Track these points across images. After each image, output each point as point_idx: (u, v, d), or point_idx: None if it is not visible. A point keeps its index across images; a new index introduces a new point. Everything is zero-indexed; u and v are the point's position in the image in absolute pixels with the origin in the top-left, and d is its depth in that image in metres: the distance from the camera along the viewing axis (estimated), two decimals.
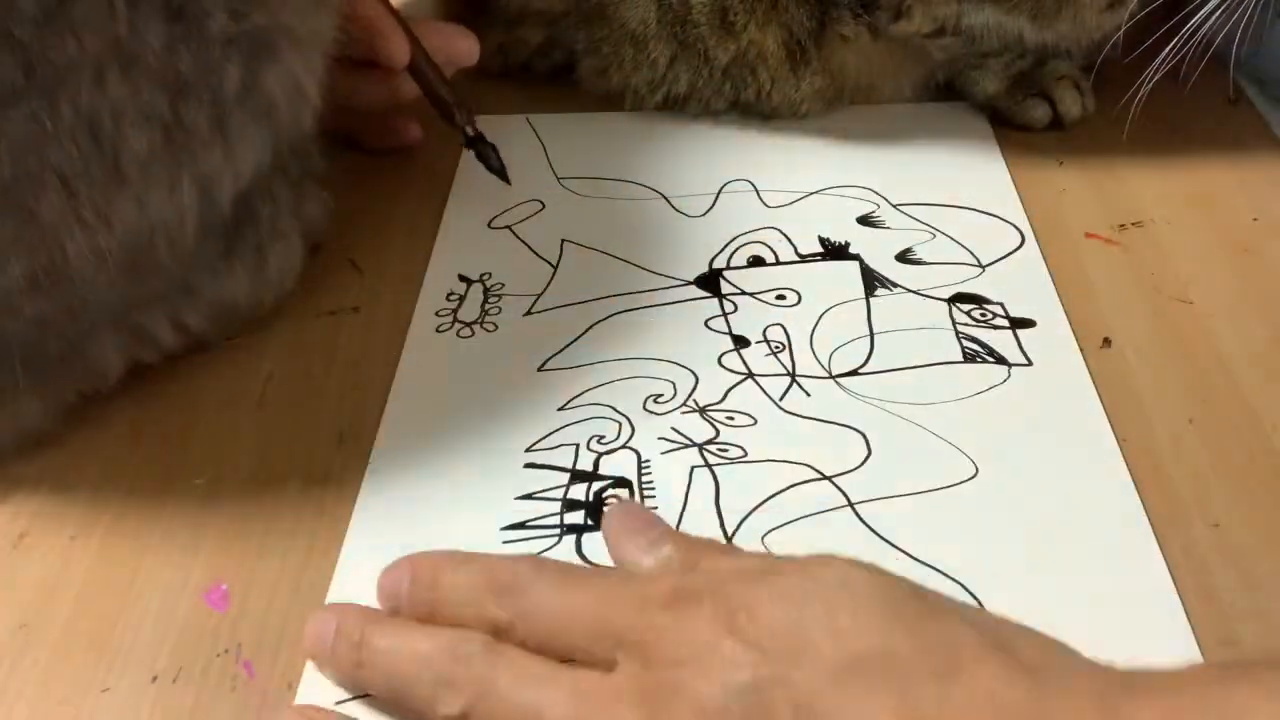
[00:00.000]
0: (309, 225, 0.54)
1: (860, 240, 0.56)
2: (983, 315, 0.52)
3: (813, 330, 0.51)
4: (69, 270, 0.42)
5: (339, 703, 0.38)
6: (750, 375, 0.49)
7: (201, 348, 0.50)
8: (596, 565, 0.42)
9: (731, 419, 0.47)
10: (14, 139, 0.40)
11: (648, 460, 0.46)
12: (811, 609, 0.33)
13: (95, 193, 0.42)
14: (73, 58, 0.40)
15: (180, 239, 0.46)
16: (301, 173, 0.53)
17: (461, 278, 0.55)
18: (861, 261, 0.55)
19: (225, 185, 0.46)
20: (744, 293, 0.53)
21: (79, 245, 0.42)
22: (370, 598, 0.41)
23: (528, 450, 0.46)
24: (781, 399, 0.48)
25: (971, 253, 0.55)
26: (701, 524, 0.43)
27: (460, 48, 0.61)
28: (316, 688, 0.38)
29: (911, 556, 0.41)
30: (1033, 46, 0.62)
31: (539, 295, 0.54)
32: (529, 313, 0.53)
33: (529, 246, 0.57)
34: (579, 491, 0.44)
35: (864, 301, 0.53)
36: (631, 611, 0.35)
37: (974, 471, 0.44)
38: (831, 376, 0.49)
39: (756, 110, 0.64)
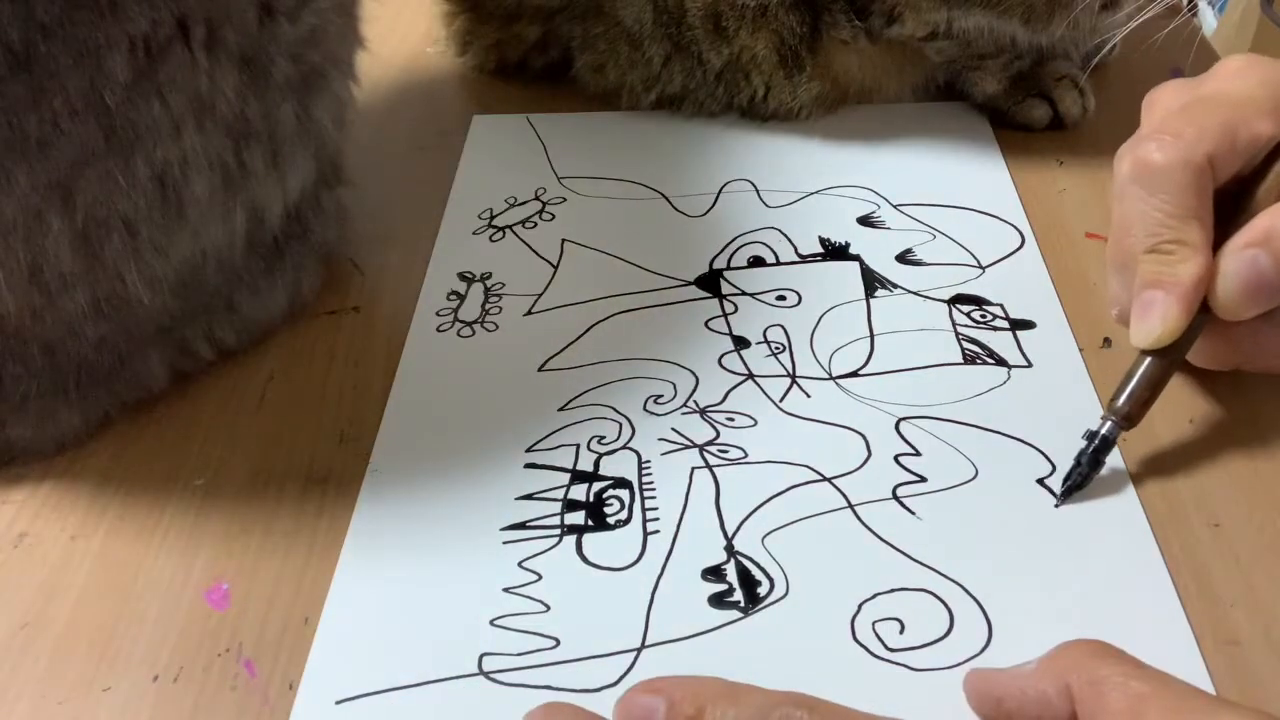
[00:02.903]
0: (338, 232, 0.54)
1: (860, 240, 0.56)
2: (983, 317, 0.52)
3: (813, 331, 0.51)
4: (128, 296, 0.44)
5: (339, 702, 0.38)
6: (750, 376, 0.49)
7: (229, 356, 0.50)
8: (596, 565, 0.42)
9: (732, 420, 0.47)
10: (88, 195, 0.41)
11: (648, 461, 0.46)
12: None
13: (156, 232, 0.43)
14: (155, 118, 0.41)
15: (229, 259, 0.47)
16: (337, 179, 0.53)
17: (462, 277, 0.55)
18: (862, 262, 0.55)
19: (275, 208, 0.48)
20: (744, 293, 0.53)
21: (135, 276, 0.43)
22: (370, 599, 0.41)
23: (528, 450, 0.46)
24: (782, 400, 0.48)
25: (971, 253, 0.55)
26: (702, 525, 0.43)
27: None
28: (318, 688, 0.38)
29: (911, 558, 0.41)
30: (1028, 48, 0.62)
31: (539, 295, 0.54)
32: (529, 313, 0.53)
33: (529, 246, 0.57)
34: (579, 492, 0.44)
35: (864, 302, 0.53)
36: None
37: (974, 473, 0.44)
38: (831, 378, 0.49)
39: (754, 113, 0.64)
